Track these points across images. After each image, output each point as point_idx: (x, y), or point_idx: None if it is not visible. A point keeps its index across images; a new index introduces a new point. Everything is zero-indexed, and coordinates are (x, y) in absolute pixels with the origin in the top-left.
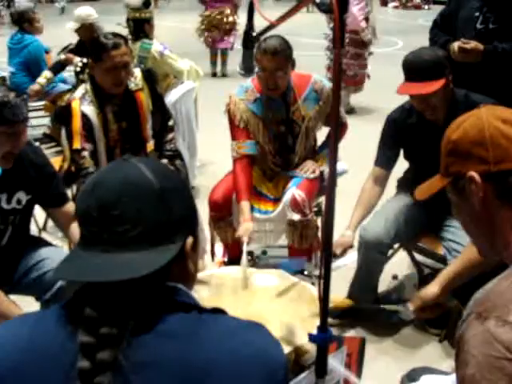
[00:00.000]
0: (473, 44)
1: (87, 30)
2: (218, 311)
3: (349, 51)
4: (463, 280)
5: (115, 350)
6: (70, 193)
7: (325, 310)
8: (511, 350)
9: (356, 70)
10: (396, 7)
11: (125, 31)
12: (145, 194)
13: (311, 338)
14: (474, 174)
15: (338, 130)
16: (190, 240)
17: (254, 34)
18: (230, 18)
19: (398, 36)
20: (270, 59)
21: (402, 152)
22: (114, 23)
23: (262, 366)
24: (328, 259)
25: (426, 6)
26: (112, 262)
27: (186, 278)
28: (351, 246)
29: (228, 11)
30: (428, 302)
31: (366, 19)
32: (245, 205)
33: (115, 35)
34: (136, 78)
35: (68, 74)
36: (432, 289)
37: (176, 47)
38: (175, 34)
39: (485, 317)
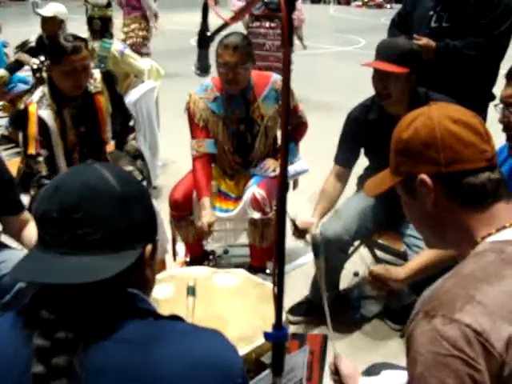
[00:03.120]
0: (424, 40)
1: (55, 25)
2: (175, 318)
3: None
4: (432, 271)
5: (71, 356)
6: (25, 198)
7: (279, 308)
8: (457, 347)
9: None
10: (358, 6)
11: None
12: (107, 199)
13: (266, 336)
14: (424, 177)
15: (289, 127)
16: (149, 247)
17: (209, 33)
18: (140, 33)
19: (360, 35)
20: (231, 54)
21: (362, 149)
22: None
23: (219, 372)
24: (281, 256)
25: (388, 5)
26: (71, 265)
27: (144, 284)
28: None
29: (136, 25)
30: (389, 280)
31: None
32: (206, 200)
33: (75, 37)
34: (95, 80)
35: (27, 73)
36: (400, 272)
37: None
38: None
39: (432, 315)
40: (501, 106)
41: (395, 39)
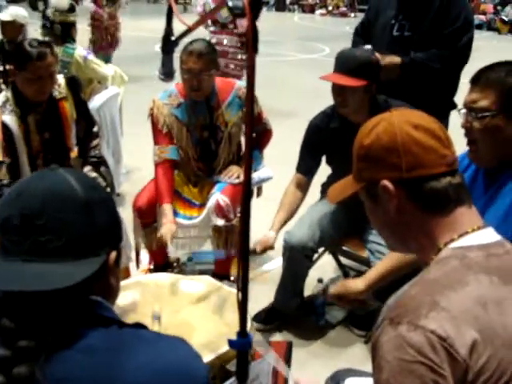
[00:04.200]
0: (388, 58)
1: (15, 30)
2: (139, 326)
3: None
4: (391, 278)
5: (32, 365)
6: None
7: (244, 315)
8: (422, 353)
9: (236, 72)
10: (323, 14)
11: None
12: (70, 205)
13: (231, 343)
14: (387, 183)
15: (253, 134)
16: (113, 254)
17: (173, 38)
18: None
19: (324, 43)
20: (196, 61)
21: (324, 157)
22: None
23: (183, 381)
24: (245, 263)
25: (352, 14)
26: (32, 273)
27: (108, 292)
28: (272, 247)
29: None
30: (350, 295)
31: None
32: (167, 207)
33: (41, 43)
34: (60, 86)
35: None
36: (358, 284)
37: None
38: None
39: (397, 322)
40: (464, 111)
41: (353, 50)
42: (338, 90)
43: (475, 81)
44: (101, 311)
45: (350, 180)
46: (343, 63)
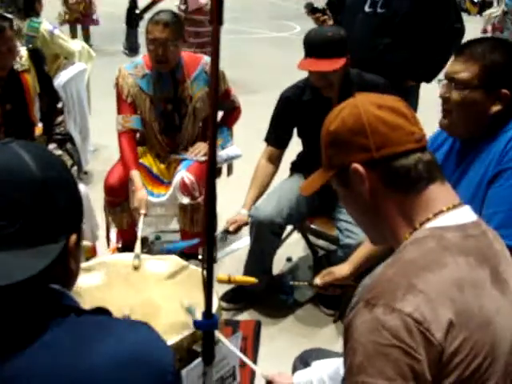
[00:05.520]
0: None
1: None
2: (100, 311)
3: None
4: (375, 261)
5: None
6: None
7: (209, 296)
8: (398, 336)
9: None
10: None
11: None
12: (24, 185)
13: (196, 324)
14: (357, 165)
15: (222, 111)
16: (73, 237)
17: (138, 11)
18: None
19: (295, 21)
20: (162, 30)
21: (295, 131)
22: None
23: (148, 370)
24: (210, 243)
25: None
26: None
27: (67, 277)
28: (246, 224)
29: None
30: (337, 281)
31: None
32: (135, 174)
33: None
34: (22, 59)
35: None
36: (344, 269)
37: None
38: None
39: (373, 304)
40: (445, 81)
41: (324, 31)
42: (319, 75)
43: (460, 52)
44: (59, 300)
45: (321, 171)
46: (320, 48)
